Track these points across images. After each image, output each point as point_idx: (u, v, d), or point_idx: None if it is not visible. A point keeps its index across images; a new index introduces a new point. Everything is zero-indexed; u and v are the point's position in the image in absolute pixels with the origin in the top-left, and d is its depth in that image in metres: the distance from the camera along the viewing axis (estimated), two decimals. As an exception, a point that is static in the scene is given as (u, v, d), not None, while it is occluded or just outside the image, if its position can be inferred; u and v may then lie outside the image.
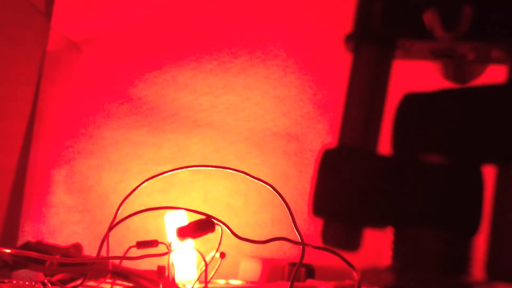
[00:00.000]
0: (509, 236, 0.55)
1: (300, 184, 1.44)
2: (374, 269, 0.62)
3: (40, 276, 0.97)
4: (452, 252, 0.58)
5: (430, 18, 0.60)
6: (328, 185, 0.61)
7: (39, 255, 0.89)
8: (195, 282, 1.00)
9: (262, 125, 1.49)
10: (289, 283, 0.83)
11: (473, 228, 0.58)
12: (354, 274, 0.77)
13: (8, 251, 0.90)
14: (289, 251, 1.39)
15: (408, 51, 0.65)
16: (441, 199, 0.58)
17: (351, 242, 0.61)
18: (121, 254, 0.87)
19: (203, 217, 0.86)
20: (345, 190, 0.60)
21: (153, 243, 0.86)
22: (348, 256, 0.81)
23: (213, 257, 0.93)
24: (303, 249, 0.81)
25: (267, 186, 0.86)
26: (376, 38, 0.64)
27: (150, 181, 0.89)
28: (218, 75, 1.52)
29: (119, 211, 0.87)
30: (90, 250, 1.12)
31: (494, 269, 0.55)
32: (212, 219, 0.85)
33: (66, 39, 1.58)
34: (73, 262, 0.93)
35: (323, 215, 0.62)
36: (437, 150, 0.60)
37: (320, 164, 0.61)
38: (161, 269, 0.89)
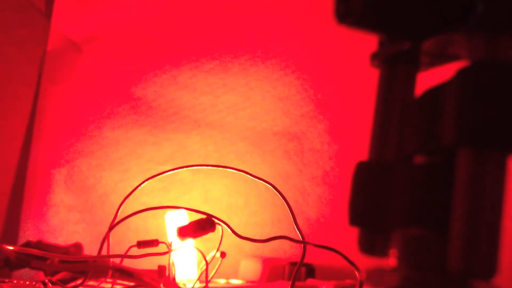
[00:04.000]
0: (484, 230, 0.55)
1: (300, 183, 1.44)
2: (378, 269, 0.62)
3: (41, 275, 0.97)
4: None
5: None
6: (360, 196, 0.64)
7: (41, 252, 0.89)
8: (195, 282, 1.00)
9: (262, 125, 1.49)
10: (289, 283, 0.83)
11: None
12: (358, 274, 0.76)
13: (11, 248, 0.90)
14: (289, 251, 1.39)
15: (429, 64, 0.66)
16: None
17: (382, 248, 0.63)
18: (121, 254, 0.87)
19: (203, 216, 0.86)
20: (375, 201, 0.62)
21: (154, 242, 0.86)
22: (351, 255, 0.81)
23: (213, 257, 0.93)
24: (304, 248, 0.81)
25: (268, 185, 0.86)
26: (402, 56, 0.65)
27: (150, 180, 0.89)
28: (218, 74, 1.52)
29: (119, 211, 0.87)
30: (90, 250, 1.12)
31: (469, 266, 0.55)
32: (213, 219, 0.85)
33: (66, 39, 1.58)
34: (74, 261, 0.93)
35: (358, 225, 0.65)
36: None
37: (353, 177, 0.64)
38: (161, 269, 0.89)
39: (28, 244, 1.04)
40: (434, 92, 0.61)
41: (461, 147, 0.56)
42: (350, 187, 0.65)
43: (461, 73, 0.57)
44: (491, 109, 0.55)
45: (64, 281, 0.93)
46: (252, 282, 1.24)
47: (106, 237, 0.86)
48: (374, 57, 0.67)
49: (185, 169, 0.90)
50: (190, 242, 1.03)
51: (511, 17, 0.57)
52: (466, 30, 0.58)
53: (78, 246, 1.09)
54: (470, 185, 0.55)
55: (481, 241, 0.55)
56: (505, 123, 0.55)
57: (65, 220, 1.52)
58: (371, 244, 0.64)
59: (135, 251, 0.86)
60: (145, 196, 1.43)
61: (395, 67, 0.66)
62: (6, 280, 0.97)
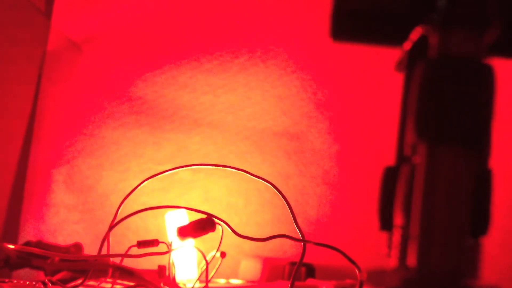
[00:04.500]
0: (438, 228, 0.55)
1: (300, 183, 1.44)
2: (380, 270, 0.62)
3: (41, 275, 0.97)
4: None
5: None
6: (388, 200, 0.64)
7: (42, 251, 0.89)
8: (195, 282, 1.00)
9: (262, 124, 1.49)
10: (289, 282, 0.83)
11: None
12: (359, 273, 0.76)
13: (12, 246, 0.90)
14: (289, 250, 1.39)
15: None
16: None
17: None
18: (122, 253, 0.87)
19: (203, 216, 0.86)
20: (405, 205, 0.62)
21: (154, 242, 0.86)
22: (351, 255, 0.81)
23: (213, 257, 0.93)
24: (304, 246, 0.81)
25: (268, 184, 0.86)
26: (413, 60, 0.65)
27: (150, 180, 0.89)
28: (218, 74, 1.52)
29: (119, 211, 0.87)
30: (90, 249, 1.12)
31: (424, 263, 0.55)
32: (213, 218, 0.85)
33: (66, 39, 1.58)
34: (74, 259, 0.93)
35: (387, 228, 0.65)
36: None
37: (381, 180, 0.64)
38: (161, 269, 0.89)
39: (28, 244, 1.04)
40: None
41: (419, 145, 0.56)
42: (379, 192, 0.65)
43: (417, 71, 0.57)
44: (442, 106, 0.55)
45: (64, 281, 0.93)
46: (252, 282, 1.25)
47: (106, 237, 0.86)
48: (400, 63, 0.67)
49: (185, 169, 0.90)
50: (190, 242, 1.03)
51: (470, 13, 0.57)
52: (429, 26, 0.59)
53: (78, 246, 1.09)
54: (424, 182, 0.56)
55: (435, 238, 0.55)
56: (457, 119, 0.55)
57: (65, 220, 1.51)
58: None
59: (135, 251, 0.86)
60: (145, 196, 1.43)
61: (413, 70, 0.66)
62: (6, 280, 0.97)
